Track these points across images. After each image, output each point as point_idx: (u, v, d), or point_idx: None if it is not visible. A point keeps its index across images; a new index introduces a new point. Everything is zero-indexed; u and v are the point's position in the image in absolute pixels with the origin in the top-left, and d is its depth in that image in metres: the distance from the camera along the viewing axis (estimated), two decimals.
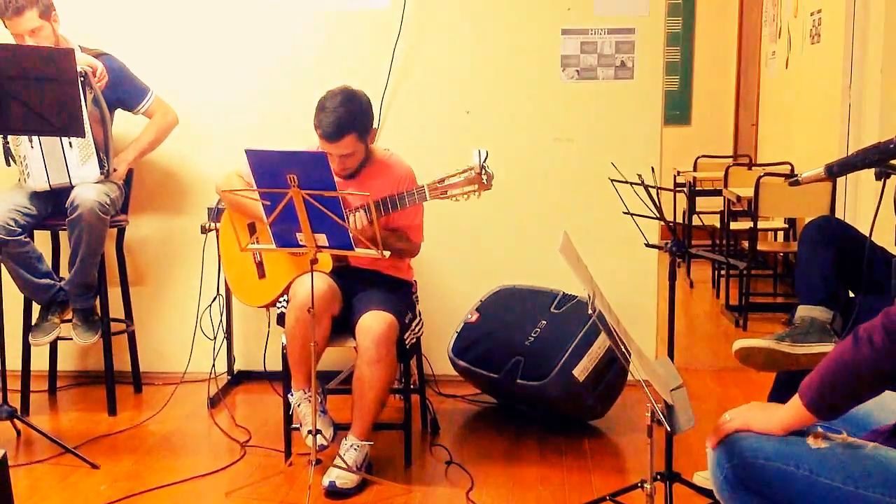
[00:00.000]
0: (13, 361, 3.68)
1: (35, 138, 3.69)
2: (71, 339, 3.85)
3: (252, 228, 3.39)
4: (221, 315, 4.16)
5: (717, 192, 6.27)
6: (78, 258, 3.72)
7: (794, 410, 1.79)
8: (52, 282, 3.86)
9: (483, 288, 3.99)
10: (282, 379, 3.37)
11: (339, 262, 3.32)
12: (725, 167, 6.13)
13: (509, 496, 3.10)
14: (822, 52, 5.70)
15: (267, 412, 3.91)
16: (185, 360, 4.10)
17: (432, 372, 4.09)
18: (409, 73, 4.20)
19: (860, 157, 2.31)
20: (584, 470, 3.31)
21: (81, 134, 3.49)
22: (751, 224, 5.34)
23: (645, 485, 2.29)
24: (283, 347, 3.27)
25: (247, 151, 2.91)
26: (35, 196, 3.80)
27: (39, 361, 4.06)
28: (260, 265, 3.44)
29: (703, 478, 2.91)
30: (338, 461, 3.11)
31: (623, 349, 2.08)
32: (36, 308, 3.90)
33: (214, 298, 4.11)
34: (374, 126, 3.32)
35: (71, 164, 3.74)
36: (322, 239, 2.95)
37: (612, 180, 2.96)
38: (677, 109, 8.28)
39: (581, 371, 3.53)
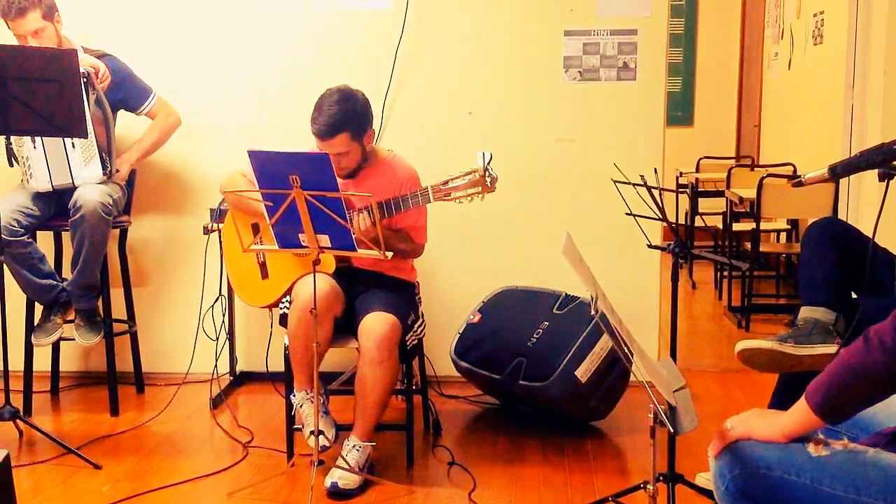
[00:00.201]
0: (16, 362, 3.68)
1: (38, 139, 3.70)
2: (73, 339, 3.86)
3: (255, 229, 3.39)
4: (224, 316, 4.16)
5: (720, 194, 6.27)
6: (80, 259, 3.72)
7: (799, 415, 1.77)
8: (55, 282, 3.86)
9: (485, 289, 3.99)
10: (284, 380, 3.36)
11: (342, 262, 3.32)
12: (728, 168, 6.13)
13: (511, 497, 3.10)
14: (825, 53, 5.69)
15: (269, 413, 3.91)
16: (187, 360, 4.11)
17: (434, 373, 4.09)
18: (412, 73, 4.20)
19: (863, 158, 2.31)
20: (586, 471, 3.31)
21: (84, 135, 3.49)
22: (753, 225, 5.33)
23: (647, 486, 2.29)
24: (286, 348, 3.27)
25: (249, 152, 2.92)
26: (38, 197, 3.80)
27: (42, 362, 4.06)
28: (263, 266, 3.44)
29: (706, 479, 2.90)
30: (340, 462, 3.11)
31: (626, 350, 2.08)
32: (38, 309, 3.90)
33: (217, 299, 4.11)
34: (371, 126, 3.31)
35: (74, 164, 3.75)
36: (325, 240, 2.95)
37: (614, 181, 2.96)
38: (680, 110, 8.27)
39: (583, 372, 3.53)
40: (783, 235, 6.39)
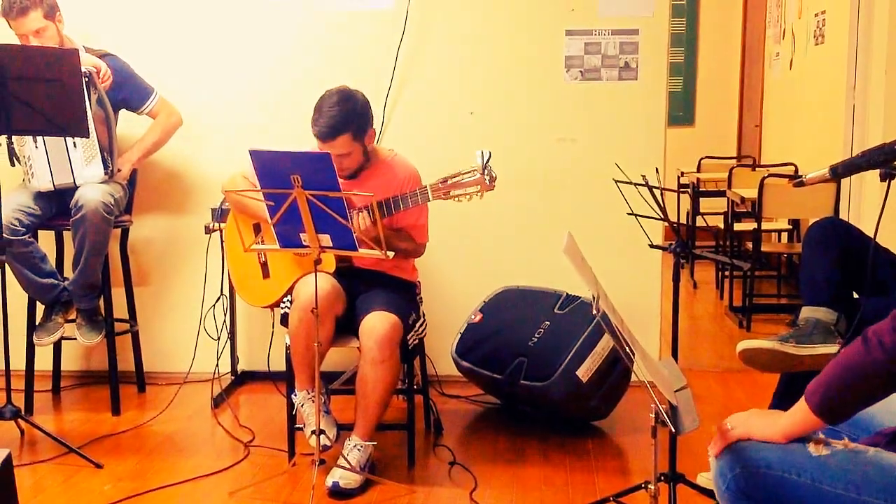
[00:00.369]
0: (17, 361, 3.69)
1: (39, 138, 3.70)
2: (75, 338, 3.86)
3: (257, 229, 3.40)
4: (225, 315, 4.17)
5: (721, 193, 6.26)
6: (82, 258, 3.72)
7: (799, 416, 1.78)
8: (56, 282, 3.87)
9: (487, 288, 3.99)
10: (285, 379, 3.37)
11: (343, 262, 3.32)
12: (729, 168, 6.13)
13: (512, 496, 3.10)
14: (827, 53, 5.69)
15: (270, 412, 3.91)
16: (188, 360, 4.11)
17: (436, 372, 4.09)
18: (413, 73, 4.21)
19: (865, 158, 2.31)
20: (587, 471, 3.31)
21: (86, 134, 3.49)
22: (754, 225, 5.33)
23: (648, 486, 2.29)
24: (287, 348, 3.27)
25: (251, 152, 2.92)
26: (39, 196, 3.80)
27: (43, 361, 4.06)
28: (264, 265, 3.44)
29: (707, 479, 2.89)
30: (341, 461, 3.12)
31: (627, 350, 2.08)
32: (40, 308, 3.90)
33: (218, 298, 4.11)
34: (372, 126, 3.31)
35: (75, 164, 3.75)
36: (326, 239, 2.95)
37: (615, 181, 2.96)
38: (681, 110, 8.27)
39: (585, 372, 3.53)
40: (784, 235, 6.39)
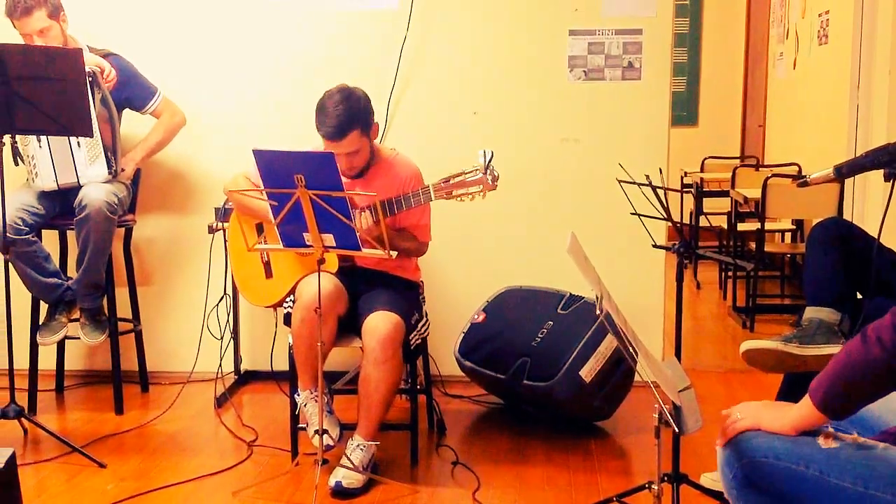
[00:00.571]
0: (21, 360, 3.69)
1: (43, 138, 3.70)
2: (78, 338, 3.86)
3: (260, 228, 3.40)
4: (228, 315, 4.17)
5: (725, 194, 6.25)
6: (85, 258, 3.73)
7: (805, 410, 1.80)
8: (60, 281, 3.87)
9: (490, 288, 3.99)
10: (288, 379, 3.37)
11: (346, 262, 3.32)
12: (733, 168, 6.11)
13: (515, 497, 3.10)
14: (830, 53, 5.68)
15: (273, 412, 3.91)
16: (191, 359, 4.11)
17: (439, 372, 4.09)
18: (417, 73, 4.20)
19: (869, 158, 2.31)
20: (590, 471, 3.31)
21: (89, 134, 3.49)
22: (758, 225, 5.32)
23: (652, 486, 2.29)
24: (290, 347, 3.28)
25: (254, 152, 2.92)
26: (43, 195, 3.80)
27: (47, 361, 4.07)
28: (267, 265, 3.44)
29: (711, 479, 2.90)
30: (344, 461, 3.12)
31: (631, 350, 2.08)
32: (43, 307, 3.91)
33: (221, 298, 4.11)
34: (375, 121, 3.31)
35: (79, 163, 3.75)
36: (329, 239, 2.95)
37: (619, 181, 2.96)
38: (684, 110, 8.26)
39: (588, 372, 3.53)
40: (788, 235, 6.38)
